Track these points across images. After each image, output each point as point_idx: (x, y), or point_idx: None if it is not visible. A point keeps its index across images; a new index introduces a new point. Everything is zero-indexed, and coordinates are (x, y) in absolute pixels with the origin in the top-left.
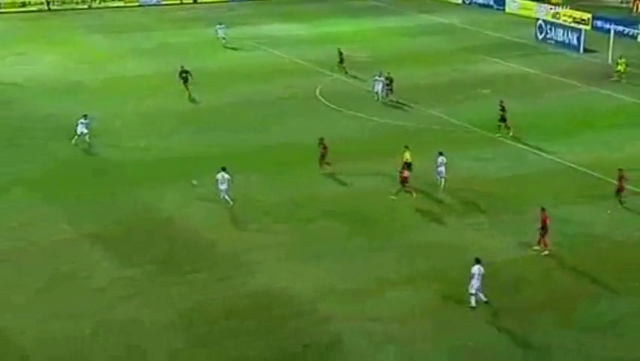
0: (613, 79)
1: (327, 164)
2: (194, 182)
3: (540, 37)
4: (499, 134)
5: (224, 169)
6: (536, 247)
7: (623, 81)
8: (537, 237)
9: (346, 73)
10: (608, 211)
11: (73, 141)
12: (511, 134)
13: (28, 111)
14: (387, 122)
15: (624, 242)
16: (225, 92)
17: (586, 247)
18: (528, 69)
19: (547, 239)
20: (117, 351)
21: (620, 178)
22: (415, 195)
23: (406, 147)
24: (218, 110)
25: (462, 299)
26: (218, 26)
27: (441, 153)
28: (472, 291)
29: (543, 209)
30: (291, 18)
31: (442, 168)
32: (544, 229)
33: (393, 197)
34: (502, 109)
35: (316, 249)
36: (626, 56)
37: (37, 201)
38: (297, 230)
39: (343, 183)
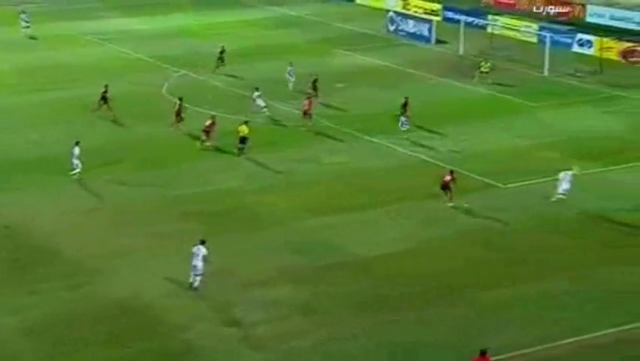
0: (474, 80)
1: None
2: None
3: (391, 28)
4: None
5: (77, 143)
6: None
7: (489, 81)
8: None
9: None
10: (465, 204)
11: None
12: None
13: None
14: (240, 118)
15: (487, 235)
16: (61, 91)
17: (448, 241)
18: (380, 61)
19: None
20: None
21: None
22: (201, 144)
23: (245, 122)
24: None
25: (321, 297)
26: (22, 14)
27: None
28: (198, 272)
29: (451, 172)
30: (135, 12)
31: (260, 101)
32: (444, 188)
33: (198, 144)
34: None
35: (175, 252)
36: (485, 57)
37: None
38: (156, 233)
39: (204, 183)
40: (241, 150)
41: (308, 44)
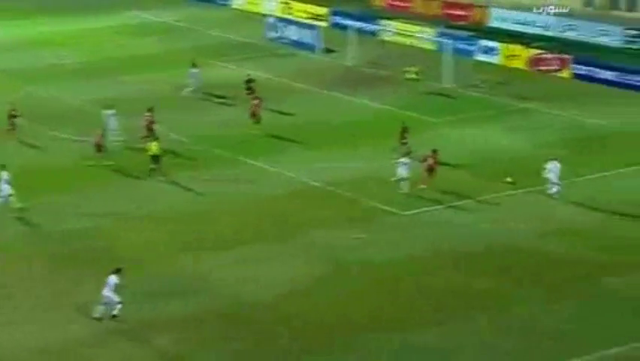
0: (419, 89)
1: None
2: None
3: (272, 36)
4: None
5: (3, 167)
6: (421, 186)
7: (420, 89)
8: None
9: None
10: (362, 235)
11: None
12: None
13: None
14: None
15: (388, 266)
16: None
17: (355, 274)
18: (260, 73)
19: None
20: None
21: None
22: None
23: (156, 139)
24: None
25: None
26: None
27: (110, 107)
28: (105, 302)
29: (434, 151)
30: None
31: (113, 124)
32: (431, 170)
33: (90, 163)
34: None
35: (16, 306)
36: (415, 64)
37: None
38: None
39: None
40: (153, 170)
41: (177, 54)
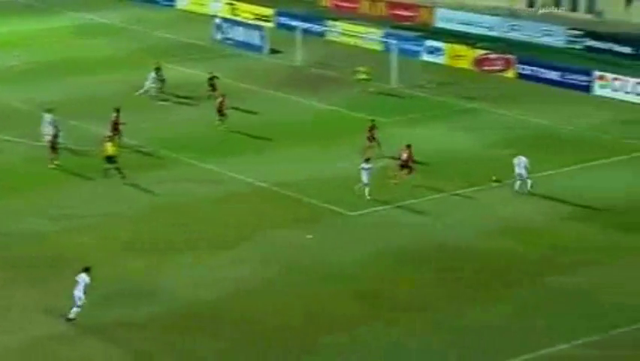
0: (371, 90)
1: None
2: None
3: (218, 37)
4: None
5: None
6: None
7: (371, 89)
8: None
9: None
10: (309, 236)
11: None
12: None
13: None
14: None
15: (332, 270)
16: None
17: (302, 277)
18: (206, 74)
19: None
20: None
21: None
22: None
23: (110, 139)
24: None
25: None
26: None
27: (48, 110)
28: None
29: (408, 146)
30: None
31: (49, 128)
32: (405, 166)
33: (52, 166)
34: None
35: None
36: (364, 65)
37: None
38: None
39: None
40: (107, 170)
41: (122, 56)
